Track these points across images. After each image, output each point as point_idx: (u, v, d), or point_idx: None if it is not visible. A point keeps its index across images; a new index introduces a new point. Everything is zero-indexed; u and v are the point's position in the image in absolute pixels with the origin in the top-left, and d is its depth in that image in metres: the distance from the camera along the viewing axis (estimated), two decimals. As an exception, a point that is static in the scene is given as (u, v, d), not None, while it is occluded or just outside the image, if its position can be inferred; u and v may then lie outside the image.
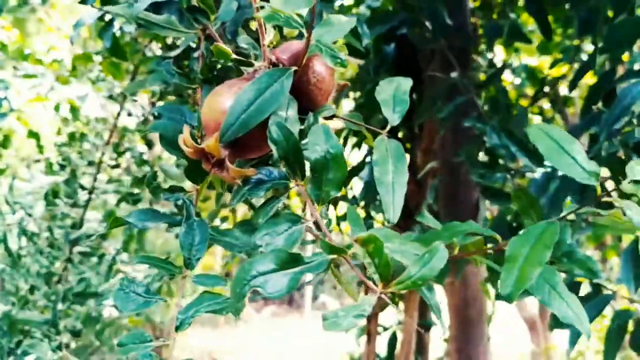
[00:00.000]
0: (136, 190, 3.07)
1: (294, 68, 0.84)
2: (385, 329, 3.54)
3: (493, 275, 2.37)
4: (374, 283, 0.65)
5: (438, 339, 3.81)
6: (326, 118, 0.96)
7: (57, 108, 3.34)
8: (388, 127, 0.93)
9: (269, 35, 0.91)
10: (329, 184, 0.79)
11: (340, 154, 0.80)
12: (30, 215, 2.97)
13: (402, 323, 3.43)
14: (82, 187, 3.03)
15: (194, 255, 0.86)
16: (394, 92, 0.97)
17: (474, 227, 0.92)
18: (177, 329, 0.79)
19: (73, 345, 2.92)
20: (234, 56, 0.88)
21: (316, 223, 0.79)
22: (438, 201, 3.03)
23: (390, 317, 3.53)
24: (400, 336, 3.44)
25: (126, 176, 3.19)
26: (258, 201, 0.87)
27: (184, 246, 0.86)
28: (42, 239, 2.96)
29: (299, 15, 0.84)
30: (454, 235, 0.90)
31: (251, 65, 0.90)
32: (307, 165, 0.83)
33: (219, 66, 1.11)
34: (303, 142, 0.85)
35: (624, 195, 0.84)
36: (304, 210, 1.07)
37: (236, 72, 1.12)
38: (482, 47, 3.06)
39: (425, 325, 3.54)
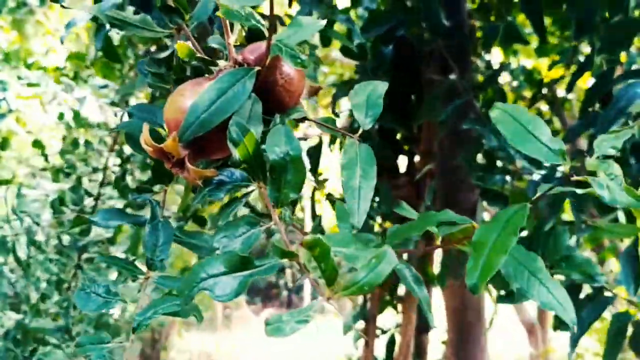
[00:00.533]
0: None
1: (258, 68, 0.83)
2: (384, 331, 3.53)
3: (495, 276, 2.35)
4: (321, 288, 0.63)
5: (436, 342, 3.79)
6: (297, 120, 0.95)
7: (61, 116, 3.34)
8: (360, 131, 0.92)
9: (234, 35, 0.90)
10: (288, 186, 0.78)
11: (299, 157, 0.79)
12: (37, 223, 2.98)
13: (401, 326, 3.42)
14: (88, 194, 3.03)
15: (157, 256, 0.85)
16: (367, 96, 0.95)
17: (450, 216, 0.89)
18: (134, 330, 0.78)
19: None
20: (198, 54, 0.87)
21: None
22: (436, 203, 3.01)
23: (389, 319, 3.52)
24: (398, 339, 3.42)
25: (131, 181, 3.19)
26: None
27: (148, 247, 0.86)
28: (51, 247, 2.97)
29: (262, 15, 0.83)
30: (427, 225, 0.86)
31: (215, 64, 0.89)
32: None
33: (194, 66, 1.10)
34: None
35: (591, 174, 0.80)
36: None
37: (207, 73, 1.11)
38: (480, 48, 3.04)
39: (423, 328, 3.53)
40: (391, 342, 3.48)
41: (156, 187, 0.99)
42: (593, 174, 0.81)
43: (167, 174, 0.92)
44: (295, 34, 0.88)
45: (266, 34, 0.81)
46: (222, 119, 0.78)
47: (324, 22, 0.93)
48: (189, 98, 0.82)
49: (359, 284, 0.62)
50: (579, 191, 0.85)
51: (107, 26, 2.27)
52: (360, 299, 3.51)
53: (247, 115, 0.82)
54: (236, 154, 0.78)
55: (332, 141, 3.06)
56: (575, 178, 0.82)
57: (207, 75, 0.94)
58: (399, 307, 3.44)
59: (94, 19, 2.27)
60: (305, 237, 0.61)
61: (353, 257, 0.70)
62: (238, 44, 0.93)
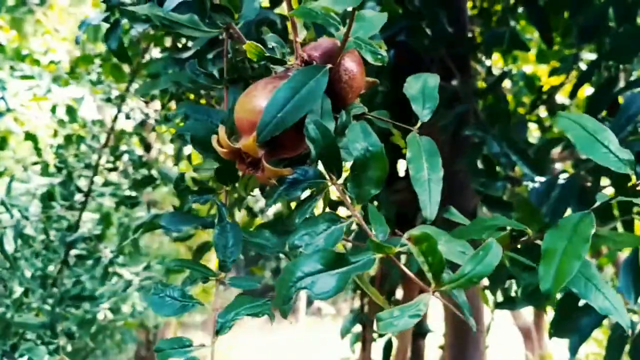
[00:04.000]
0: (134, 194, 3.04)
1: (329, 66, 0.83)
2: (381, 335, 3.53)
3: (493, 282, 2.37)
4: (427, 282, 0.64)
5: (434, 347, 3.81)
6: (356, 116, 0.96)
7: (53, 110, 3.31)
8: (419, 124, 0.92)
9: (302, 33, 0.90)
10: (369, 182, 0.78)
11: (380, 152, 0.79)
12: (26, 217, 2.93)
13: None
14: (79, 190, 3.00)
15: (228, 257, 0.84)
16: (422, 88, 0.96)
17: (503, 221, 0.90)
18: (217, 332, 0.78)
19: (69, 348, 2.89)
20: (267, 54, 0.87)
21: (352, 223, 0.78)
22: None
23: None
24: (395, 343, 3.43)
25: (123, 179, 3.16)
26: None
27: (218, 248, 0.85)
28: (38, 241, 2.92)
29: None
30: (483, 231, 0.88)
31: (283, 63, 0.89)
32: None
33: (240, 65, 1.10)
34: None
35: None
36: (323, 209, 1.05)
37: (251, 72, 1.12)
38: (480, 54, 3.07)
39: (421, 332, 3.54)
40: (388, 346, 3.49)
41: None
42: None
43: (231, 175, 0.91)
44: (361, 29, 0.89)
45: (341, 30, 0.81)
46: (298, 117, 0.79)
47: (385, 14, 0.93)
48: (261, 98, 0.82)
49: (467, 276, 0.62)
50: (636, 201, 0.86)
51: (121, 27, 2.26)
52: (357, 302, 3.51)
53: (320, 113, 0.83)
54: (314, 151, 0.78)
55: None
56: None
57: (272, 76, 0.94)
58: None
59: (106, 19, 2.26)
60: (411, 231, 0.61)
61: (451, 250, 0.71)
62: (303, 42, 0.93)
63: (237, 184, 0.98)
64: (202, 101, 2.00)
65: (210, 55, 1.51)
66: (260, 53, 0.86)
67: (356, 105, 0.94)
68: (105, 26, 1.82)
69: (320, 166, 0.83)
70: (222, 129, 0.82)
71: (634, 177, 0.81)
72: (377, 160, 0.78)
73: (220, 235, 0.86)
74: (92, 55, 3.22)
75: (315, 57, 0.90)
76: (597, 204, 0.86)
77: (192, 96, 2.18)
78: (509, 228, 0.88)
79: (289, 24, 0.93)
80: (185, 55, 1.71)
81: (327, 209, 0.98)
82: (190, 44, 1.96)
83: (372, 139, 0.79)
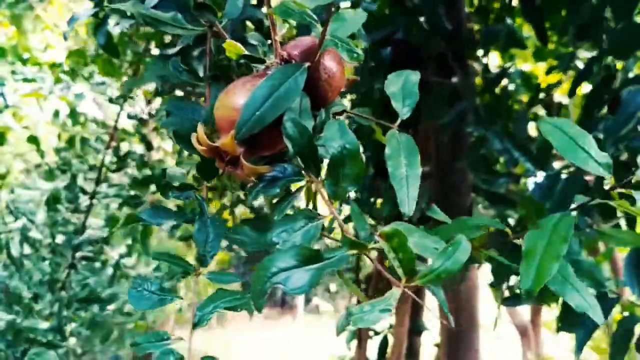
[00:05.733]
0: (138, 193, 3.04)
1: (308, 64, 0.83)
2: (377, 333, 3.54)
3: (497, 279, 2.37)
4: (397, 278, 0.64)
5: (429, 344, 3.82)
6: (336, 114, 0.96)
7: (56, 114, 3.31)
8: (398, 121, 0.93)
9: (281, 31, 0.90)
10: (346, 179, 0.79)
11: (356, 149, 0.80)
12: (32, 221, 2.95)
13: (394, 327, 3.43)
14: (84, 192, 3.00)
15: (208, 251, 0.85)
16: (402, 85, 0.97)
17: (484, 220, 0.91)
18: (195, 325, 0.79)
19: (79, 351, 2.90)
20: (245, 52, 0.87)
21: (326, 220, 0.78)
22: (431, 205, 3.03)
23: (382, 321, 3.53)
24: (391, 340, 3.44)
25: (126, 179, 3.16)
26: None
27: (198, 243, 0.86)
28: (45, 245, 2.93)
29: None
30: (464, 229, 0.89)
31: (263, 61, 0.90)
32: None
33: (223, 63, 1.10)
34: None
35: (637, 187, 0.85)
36: (307, 206, 1.06)
37: (237, 70, 1.12)
38: (478, 52, 3.07)
39: (416, 330, 3.55)
40: (384, 344, 3.50)
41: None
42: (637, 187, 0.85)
43: (211, 172, 0.92)
44: (341, 28, 0.89)
45: (318, 28, 0.81)
46: (276, 115, 0.79)
47: (365, 14, 0.94)
48: (241, 96, 0.82)
49: (436, 272, 0.63)
50: (613, 204, 0.88)
51: (109, 22, 2.27)
52: (354, 300, 3.52)
53: (298, 111, 0.83)
54: (292, 149, 0.79)
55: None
56: (619, 190, 0.86)
57: (242, 72, 0.94)
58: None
59: (95, 14, 2.27)
60: (382, 228, 0.62)
61: (429, 247, 0.71)
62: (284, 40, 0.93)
63: (232, 182, 0.99)
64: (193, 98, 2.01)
65: (195, 53, 1.51)
66: (239, 51, 0.86)
67: (337, 103, 0.94)
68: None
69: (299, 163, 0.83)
70: (200, 127, 0.83)
71: (612, 179, 0.83)
72: (353, 158, 0.79)
73: (200, 230, 0.86)
74: (84, 50, 3.23)
75: (295, 55, 0.90)
76: (575, 205, 0.88)
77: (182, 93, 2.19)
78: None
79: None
80: (171, 51, 1.71)
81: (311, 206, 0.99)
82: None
83: (349, 137, 0.80)
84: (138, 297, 0.81)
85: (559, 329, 1.90)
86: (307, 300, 13.10)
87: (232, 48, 0.86)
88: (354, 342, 3.56)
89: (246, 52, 0.87)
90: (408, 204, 0.81)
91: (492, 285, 2.39)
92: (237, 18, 1.13)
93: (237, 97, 0.83)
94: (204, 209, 0.89)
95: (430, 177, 3.04)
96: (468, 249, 0.63)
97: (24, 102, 3.71)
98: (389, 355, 3.44)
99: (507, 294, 2.38)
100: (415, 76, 0.98)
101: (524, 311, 5.53)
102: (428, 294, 3.45)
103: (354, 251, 0.69)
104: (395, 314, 3.42)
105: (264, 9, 1.75)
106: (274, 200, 0.85)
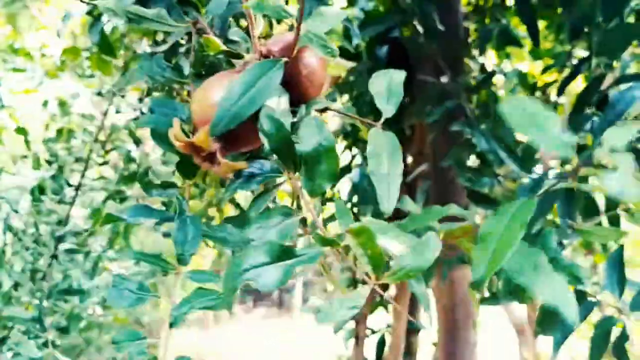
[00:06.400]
0: (123, 188, 3.04)
1: (285, 59, 0.83)
2: (374, 331, 3.54)
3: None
4: (367, 275, 0.64)
5: (427, 343, 3.82)
6: (319, 111, 0.95)
7: (45, 104, 3.31)
8: (382, 119, 0.92)
9: (259, 27, 0.90)
10: (322, 176, 0.78)
11: (332, 146, 0.79)
12: (16, 211, 2.94)
13: (391, 326, 3.43)
14: (69, 184, 3.00)
15: (187, 250, 0.85)
16: (387, 84, 0.96)
17: (453, 210, 0.89)
18: (171, 325, 0.78)
19: (60, 343, 2.90)
20: (223, 48, 0.87)
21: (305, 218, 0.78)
22: (428, 204, 3.03)
23: (379, 320, 3.53)
24: (389, 339, 3.44)
25: (114, 173, 3.16)
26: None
27: (177, 242, 0.85)
28: (28, 235, 2.92)
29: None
30: (432, 218, 0.87)
31: (241, 57, 0.89)
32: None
33: (210, 60, 1.10)
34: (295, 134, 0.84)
35: (601, 167, 0.79)
36: (292, 204, 1.05)
37: (225, 66, 1.11)
38: (475, 51, 3.06)
39: (414, 328, 3.54)
40: (381, 342, 3.50)
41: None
42: (600, 167, 0.80)
43: (191, 169, 0.92)
44: (320, 25, 0.89)
45: (294, 25, 0.81)
46: (252, 111, 0.78)
47: (346, 12, 0.93)
48: (217, 92, 0.82)
49: (406, 269, 0.62)
50: (584, 186, 0.84)
51: (103, 20, 2.27)
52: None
53: (276, 107, 0.82)
54: (268, 145, 0.78)
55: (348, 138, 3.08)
56: (583, 171, 0.82)
57: (229, 69, 0.94)
58: (390, 307, 3.45)
59: (89, 12, 2.27)
60: (351, 225, 0.62)
61: (395, 244, 0.71)
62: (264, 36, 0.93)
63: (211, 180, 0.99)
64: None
65: (182, 50, 1.51)
66: (217, 46, 0.86)
67: (320, 100, 0.94)
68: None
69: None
70: (176, 123, 0.83)
71: (575, 160, 0.78)
72: (329, 155, 0.79)
73: (179, 228, 0.86)
74: (79, 47, 3.22)
75: (275, 51, 0.90)
76: (542, 190, 0.85)
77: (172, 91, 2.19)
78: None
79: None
80: (162, 48, 1.71)
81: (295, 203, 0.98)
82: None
83: (326, 134, 0.79)
84: (118, 295, 0.81)
85: (536, 333, 1.89)
86: (305, 300, 13.10)
87: (211, 44, 0.86)
88: (352, 341, 3.55)
89: (224, 48, 0.87)
90: (388, 202, 0.81)
91: (472, 285, 2.38)
92: (225, 14, 1.13)
93: (213, 92, 0.82)
94: (184, 208, 0.89)
95: (428, 175, 3.04)
96: (438, 246, 0.62)
97: (18, 99, 3.71)
98: (387, 354, 3.44)
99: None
100: (400, 75, 0.98)
101: (521, 308, 5.51)
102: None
103: (326, 248, 0.68)
104: (393, 313, 3.42)
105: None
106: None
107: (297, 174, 0.81)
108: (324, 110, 0.94)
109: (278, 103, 0.83)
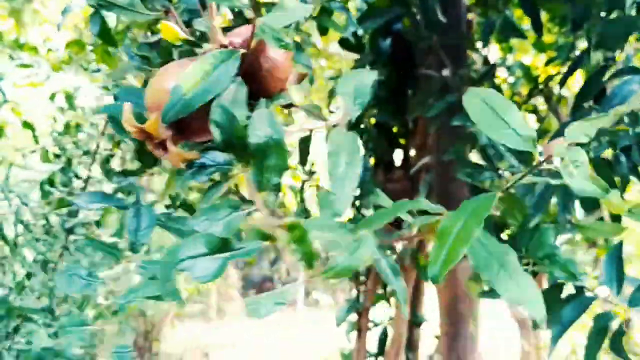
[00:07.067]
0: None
1: (242, 50, 0.82)
2: (376, 324, 3.53)
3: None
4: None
5: (429, 336, 3.80)
6: (284, 106, 0.94)
7: (52, 97, 3.32)
8: (346, 120, 0.91)
9: (219, 17, 0.88)
10: (270, 170, 0.77)
11: (281, 141, 0.78)
12: (25, 204, 2.98)
13: (393, 319, 3.42)
14: (77, 176, 3.03)
15: (139, 239, 0.84)
16: (356, 84, 0.94)
17: (422, 204, 0.86)
18: (115, 313, 0.78)
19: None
20: (182, 36, 0.86)
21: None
22: (431, 197, 3.01)
23: (382, 312, 3.52)
24: (391, 332, 3.43)
25: (120, 166, 3.18)
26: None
27: (130, 230, 0.85)
28: (38, 226, 2.96)
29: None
30: (398, 212, 0.84)
31: (200, 47, 0.88)
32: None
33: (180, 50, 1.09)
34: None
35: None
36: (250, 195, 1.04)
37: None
38: (478, 44, 3.03)
39: (416, 321, 3.53)
40: (384, 335, 3.48)
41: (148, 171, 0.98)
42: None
43: (150, 157, 0.91)
44: (280, 18, 0.87)
45: (251, 16, 0.80)
46: (205, 100, 0.77)
47: (310, 7, 0.92)
48: (172, 79, 0.81)
49: (337, 267, 0.62)
50: (554, 182, 0.83)
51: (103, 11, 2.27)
52: (353, 291, 3.51)
53: (231, 99, 0.81)
54: (218, 136, 0.77)
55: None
56: (546, 166, 0.80)
57: (190, 57, 0.93)
58: (392, 300, 3.44)
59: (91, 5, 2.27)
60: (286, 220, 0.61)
61: (334, 242, 0.69)
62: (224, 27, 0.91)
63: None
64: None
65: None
66: (175, 34, 0.85)
67: (283, 95, 0.92)
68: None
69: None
70: (127, 108, 0.82)
71: (537, 155, 0.77)
72: (278, 149, 0.77)
73: (133, 217, 0.86)
74: (83, 40, 3.24)
75: (236, 43, 0.88)
76: (508, 184, 0.83)
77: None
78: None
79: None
80: (156, 38, 1.71)
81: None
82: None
83: (276, 128, 0.78)
84: (67, 281, 0.81)
85: (534, 326, 1.88)
86: (307, 294, 13.11)
87: (168, 32, 0.85)
88: (354, 334, 3.55)
89: (183, 36, 0.86)
90: (342, 203, 0.79)
91: (471, 279, 2.37)
92: (192, 3, 1.12)
93: (168, 79, 0.81)
94: (139, 197, 0.88)
95: (430, 168, 3.02)
96: (373, 246, 0.61)
97: (23, 94, 3.74)
98: (389, 347, 3.42)
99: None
100: (371, 76, 0.96)
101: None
102: (426, 286, 3.44)
103: (265, 242, 0.67)
104: (395, 306, 3.40)
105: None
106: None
107: (248, 167, 0.80)
108: (288, 106, 0.93)
109: (234, 94, 0.82)
